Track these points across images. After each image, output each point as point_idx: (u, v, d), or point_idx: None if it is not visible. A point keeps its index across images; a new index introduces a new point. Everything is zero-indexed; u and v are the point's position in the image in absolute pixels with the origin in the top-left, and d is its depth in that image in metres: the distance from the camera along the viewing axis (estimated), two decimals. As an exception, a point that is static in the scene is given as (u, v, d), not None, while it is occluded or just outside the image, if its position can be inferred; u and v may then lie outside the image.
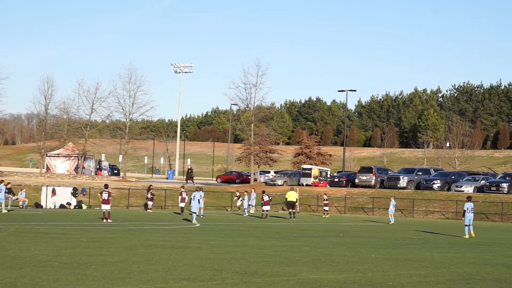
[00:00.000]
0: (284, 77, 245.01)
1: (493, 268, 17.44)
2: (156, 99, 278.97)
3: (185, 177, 75.30)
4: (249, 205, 49.48)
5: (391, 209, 41.89)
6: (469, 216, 29.44)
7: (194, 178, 74.22)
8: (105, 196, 33.83)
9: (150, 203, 48.29)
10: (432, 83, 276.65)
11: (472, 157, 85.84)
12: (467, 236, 29.34)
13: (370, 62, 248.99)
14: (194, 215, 35.46)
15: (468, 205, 29.60)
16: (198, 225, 33.50)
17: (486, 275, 15.67)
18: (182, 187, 48.83)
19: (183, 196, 45.33)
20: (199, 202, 36.26)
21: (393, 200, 42.82)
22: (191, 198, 36.27)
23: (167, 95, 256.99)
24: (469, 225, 29.48)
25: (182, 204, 45.42)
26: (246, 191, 49.38)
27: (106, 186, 35.28)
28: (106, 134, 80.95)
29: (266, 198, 45.50)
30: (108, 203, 33.77)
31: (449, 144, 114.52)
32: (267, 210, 44.59)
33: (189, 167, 73.75)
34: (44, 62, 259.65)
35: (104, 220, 33.20)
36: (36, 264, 15.02)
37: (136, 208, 53.17)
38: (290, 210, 43.49)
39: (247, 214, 46.78)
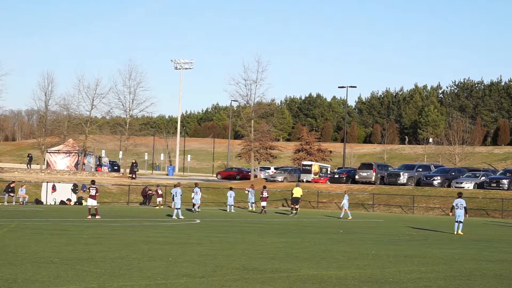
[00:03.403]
0: (285, 73, 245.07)
1: (493, 264, 17.44)
2: (156, 96, 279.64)
3: (129, 171, 69.40)
4: (252, 202, 49.87)
5: (345, 203, 41.92)
6: (459, 212, 29.36)
7: (194, 175, 73.49)
8: (92, 192, 33.59)
9: (159, 199, 50.59)
10: (432, 80, 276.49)
11: (472, 154, 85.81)
12: (459, 232, 29.28)
13: (370, 58, 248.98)
14: (179, 211, 35.26)
15: (458, 201, 29.50)
16: (198, 221, 33.52)
17: (486, 271, 15.67)
18: (196, 184, 48.84)
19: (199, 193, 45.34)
20: (185, 198, 36.09)
21: (346, 195, 43.19)
22: (173, 195, 35.98)
23: (167, 91, 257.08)
24: (459, 221, 29.37)
25: (194, 201, 45.44)
26: (231, 188, 49.03)
27: (93, 182, 34.96)
28: (106, 131, 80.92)
29: (265, 194, 46.02)
30: (95, 199, 33.53)
31: (432, 140, 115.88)
32: (264, 206, 45.18)
33: (133, 160, 69.69)
34: (44, 58, 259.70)
35: (89, 217, 32.68)
36: (36, 260, 15.02)
37: (136, 205, 53.24)
38: (293, 206, 43.56)
39: (233, 211, 46.47)
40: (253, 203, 50.07)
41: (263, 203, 45.79)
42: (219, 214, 42.62)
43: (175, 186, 36.90)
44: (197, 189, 43.37)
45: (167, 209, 45.66)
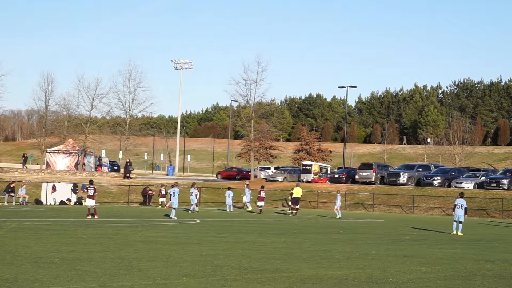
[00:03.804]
0: (285, 73, 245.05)
1: (493, 264, 17.44)
2: (156, 96, 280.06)
3: (123, 171, 69.14)
4: (244, 202, 50.09)
5: (338, 203, 42.07)
6: (458, 212, 29.22)
7: (193, 175, 73.29)
8: (90, 192, 33.58)
9: (162, 199, 50.74)
10: (432, 79, 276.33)
11: (472, 154, 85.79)
12: (454, 232, 29.19)
13: (370, 58, 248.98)
14: (173, 211, 35.27)
15: (459, 201, 29.40)
16: (198, 221, 33.52)
17: (486, 271, 15.66)
18: (192, 184, 49.05)
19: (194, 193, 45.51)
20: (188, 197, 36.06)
21: (339, 195, 43.46)
22: (170, 194, 36.04)
23: (167, 91, 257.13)
24: (458, 221, 29.27)
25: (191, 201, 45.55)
26: (229, 188, 49.19)
27: (91, 182, 34.92)
28: (106, 131, 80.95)
29: (262, 194, 46.19)
30: (93, 199, 33.49)
31: (429, 140, 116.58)
32: (261, 206, 45.33)
33: (127, 160, 68.71)
34: (44, 58, 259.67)
35: (89, 217, 32.67)
36: (36, 260, 15.01)
37: (136, 205, 53.25)
38: (293, 206, 43.59)
39: (232, 210, 46.58)
40: (248, 202, 50.22)
41: (260, 203, 45.88)
42: (219, 214, 42.62)
43: (172, 186, 37.02)
44: (192, 189, 43.45)
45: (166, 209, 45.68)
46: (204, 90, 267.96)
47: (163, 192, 50.84)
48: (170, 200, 35.87)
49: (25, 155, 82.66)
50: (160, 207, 49.38)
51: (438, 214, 51.93)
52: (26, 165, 76.91)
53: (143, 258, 16.06)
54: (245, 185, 52.57)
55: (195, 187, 44.70)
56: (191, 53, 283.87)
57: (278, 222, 35.83)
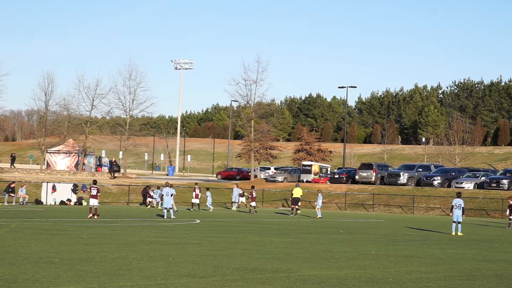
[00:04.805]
0: (285, 73, 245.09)
1: (493, 264, 17.43)
2: (156, 96, 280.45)
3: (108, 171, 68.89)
4: (232, 202, 50.34)
5: (319, 202, 42.11)
6: (457, 212, 29.03)
7: (194, 175, 73.21)
8: (93, 192, 33.58)
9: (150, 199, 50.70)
10: (433, 80, 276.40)
11: (472, 154, 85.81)
12: (453, 233, 29.09)
13: (370, 58, 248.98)
14: (171, 211, 35.30)
15: (456, 201, 29.18)
16: (198, 221, 33.51)
17: (486, 272, 15.66)
18: (196, 183, 49.27)
19: (196, 193, 45.57)
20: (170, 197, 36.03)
21: (320, 195, 43.53)
22: (163, 194, 36.04)
23: (168, 91, 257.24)
24: (457, 222, 29.14)
25: (195, 201, 45.57)
26: (208, 188, 49.43)
27: (94, 181, 34.95)
28: (106, 131, 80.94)
29: (254, 194, 46.46)
30: (96, 199, 33.55)
31: (425, 139, 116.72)
32: (254, 206, 45.47)
33: (113, 159, 68.33)
34: (44, 58, 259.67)
35: (90, 216, 32.79)
36: (36, 260, 15.01)
37: (136, 205, 53.26)
38: (293, 206, 43.61)
39: (211, 210, 46.74)
40: (234, 202, 50.38)
41: (253, 203, 46.05)
42: (219, 214, 42.63)
43: (164, 186, 37.05)
44: (172, 190, 43.54)
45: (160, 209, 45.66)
46: (204, 90, 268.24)
47: (151, 193, 50.71)
48: (162, 200, 35.81)
49: (13, 154, 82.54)
50: (149, 207, 49.35)
51: (438, 214, 51.92)
52: (13, 164, 76.62)
53: (143, 258, 16.05)
54: (235, 185, 52.64)
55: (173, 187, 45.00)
56: (191, 53, 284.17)
57: (278, 222, 35.82)
